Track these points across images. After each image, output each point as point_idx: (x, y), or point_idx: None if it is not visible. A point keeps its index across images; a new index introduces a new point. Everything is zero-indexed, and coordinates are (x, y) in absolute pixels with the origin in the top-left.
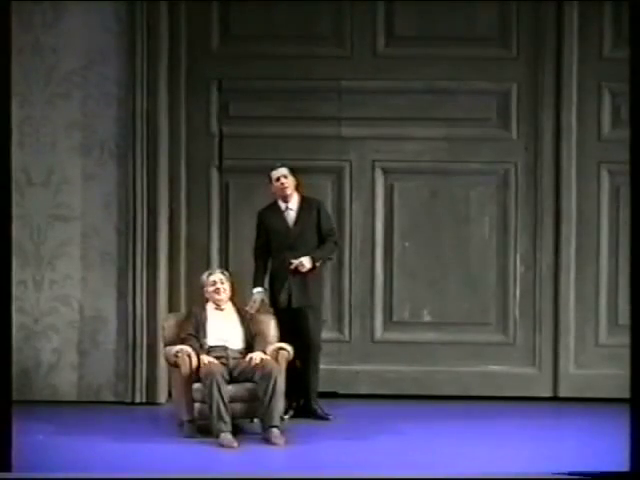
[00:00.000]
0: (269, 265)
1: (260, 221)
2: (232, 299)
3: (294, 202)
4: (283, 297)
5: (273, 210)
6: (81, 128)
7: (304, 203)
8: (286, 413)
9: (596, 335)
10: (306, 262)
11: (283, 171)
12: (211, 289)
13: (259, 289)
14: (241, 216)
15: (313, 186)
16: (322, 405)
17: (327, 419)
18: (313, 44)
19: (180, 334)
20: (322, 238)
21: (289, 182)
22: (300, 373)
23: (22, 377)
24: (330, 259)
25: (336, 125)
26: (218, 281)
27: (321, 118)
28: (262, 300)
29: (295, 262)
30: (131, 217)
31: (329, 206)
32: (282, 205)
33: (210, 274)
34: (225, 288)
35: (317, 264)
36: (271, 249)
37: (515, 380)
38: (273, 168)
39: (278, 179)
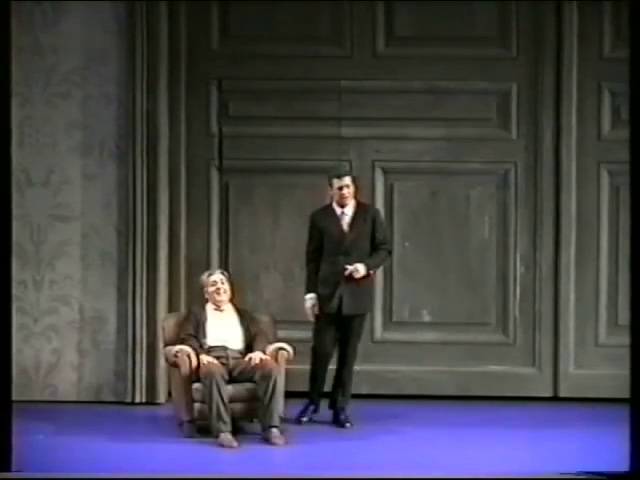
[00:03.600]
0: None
1: (314, 224)
2: (232, 299)
3: (350, 207)
4: (334, 303)
5: (328, 213)
6: (81, 128)
7: (360, 209)
8: (303, 415)
9: (596, 335)
10: (361, 269)
11: (347, 181)
12: (212, 289)
13: (312, 295)
14: (241, 216)
15: (313, 186)
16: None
17: (344, 426)
18: (313, 44)
19: (180, 334)
20: (375, 246)
21: (350, 192)
22: (315, 374)
23: (22, 377)
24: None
25: (336, 125)
26: (219, 281)
27: (321, 118)
28: (314, 306)
29: (350, 268)
30: (131, 217)
31: None
32: (338, 209)
33: (210, 274)
34: (225, 289)
35: (371, 272)
36: (323, 253)
37: (515, 380)
38: (337, 174)
39: (340, 188)
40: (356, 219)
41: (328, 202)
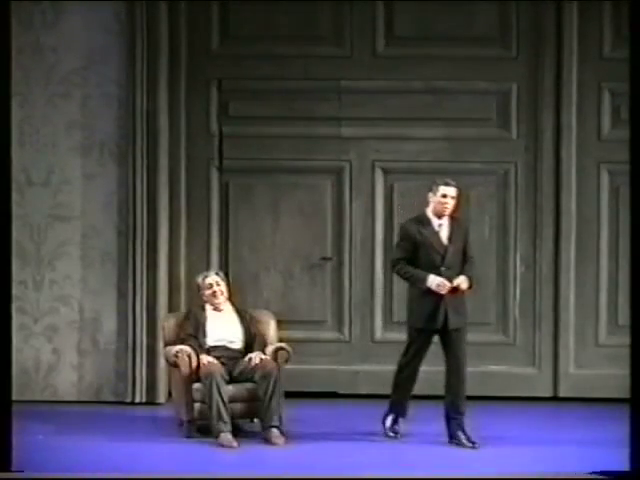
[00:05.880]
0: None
1: (409, 235)
2: (230, 299)
3: (445, 219)
4: (440, 318)
5: (424, 225)
6: (81, 128)
7: (454, 222)
8: (386, 420)
9: (596, 335)
10: (465, 282)
11: (452, 192)
12: (208, 292)
13: (431, 276)
14: (241, 216)
15: (313, 186)
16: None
17: (471, 446)
18: (313, 44)
19: (180, 334)
20: (465, 258)
21: (453, 204)
22: (405, 388)
23: (22, 377)
24: None
25: (336, 125)
26: (214, 283)
27: (321, 118)
28: (441, 282)
29: (457, 281)
30: (131, 217)
31: (329, 206)
32: (435, 221)
33: (205, 277)
34: (222, 290)
35: (473, 284)
36: (419, 265)
37: (515, 380)
38: (445, 182)
39: (445, 196)
40: (453, 232)
41: (423, 208)
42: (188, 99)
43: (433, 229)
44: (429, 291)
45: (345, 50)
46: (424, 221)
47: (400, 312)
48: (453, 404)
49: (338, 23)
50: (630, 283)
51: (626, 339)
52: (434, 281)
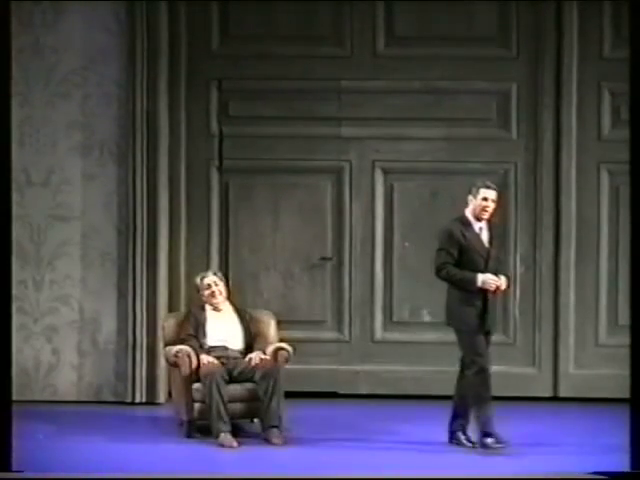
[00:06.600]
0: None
1: (455, 238)
2: (230, 299)
3: (483, 222)
4: (490, 320)
5: (467, 228)
6: (81, 128)
7: (489, 225)
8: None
9: (596, 335)
10: (505, 283)
11: (493, 195)
12: (207, 293)
13: (479, 274)
14: (241, 216)
15: (313, 186)
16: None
17: (470, 446)
18: (313, 44)
19: (180, 334)
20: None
21: (493, 208)
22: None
23: (22, 377)
24: None
25: (336, 125)
26: (212, 284)
27: (321, 118)
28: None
29: (499, 282)
30: (131, 217)
31: (329, 206)
32: (475, 224)
33: (203, 277)
34: (220, 290)
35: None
36: (464, 268)
37: (515, 380)
38: (487, 185)
39: (485, 199)
40: (491, 234)
41: (461, 210)
42: (188, 99)
43: (475, 232)
44: (473, 293)
45: (345, 50)
46: (465, 224)
47: (400, 312)
48: (478, 407)
49: (338, 23)
50: (630, 283)
51: (626, 339)
52: (484, 279)
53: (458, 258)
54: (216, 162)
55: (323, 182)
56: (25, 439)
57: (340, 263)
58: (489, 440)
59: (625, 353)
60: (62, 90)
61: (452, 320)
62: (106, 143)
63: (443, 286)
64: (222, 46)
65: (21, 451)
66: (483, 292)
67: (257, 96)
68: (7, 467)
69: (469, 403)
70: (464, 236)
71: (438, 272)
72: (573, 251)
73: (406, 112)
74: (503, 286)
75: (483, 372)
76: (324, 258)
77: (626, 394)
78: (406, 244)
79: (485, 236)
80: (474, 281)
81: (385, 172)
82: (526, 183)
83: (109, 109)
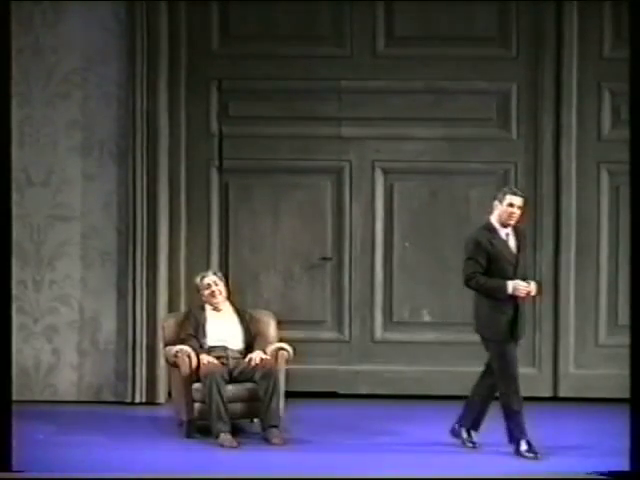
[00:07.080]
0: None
1: (482, 246)
2: (230, 299)
3: (509, 228)
4: (521, 327)
5: (493, 235)
6: (81, 128)
7: (515, 230)
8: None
9: (596, 335)
10: (535, 288)
11: (519, 201)
12: (207, 293)
13: (509, 281)
14: (241, 216)
15: (313, 186)
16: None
17: (471, 447)
18: (313, 44)
19: (180, 334)
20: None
21: (519, 214)
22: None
23: (22, 377)
24: None
25: (336, 125)
26: (212, 284)
27: (321, 118)
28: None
29: (529, 288)
30: (131, 217)
31: (329, 206)
32: (502, 231)
33: (203, 277)
34: (220, 290)
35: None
36: (493, 276)
37: None
38: (513, 191)
39: (512, 205)
40: (517, 240)
41: (486, 216)
42: (188, 99)
43: (502, 240)
44: (504, 300)
45: (345, 50)
46: (492, 231)
47: (400, 312)
48: (505, 405)
49: (338, 23)
50: (630, 283)
51: (626, 339)
52: (515, 286)
53: (487, 266)
54: (216, 162)
55: (323, 182)
56: (25, 439)
57: (340, 263)
58: (523, 448)
59: (625, 353)
60: (62, 90)
61: (483, 329)
62: (106, 143)
63: (443, 286)
64: (222, 46)
65: (21, 451)
66: (513, 299)
67: (257, 96)
68: (7, 467)
69: (506, 411)
70: (491, 244)
71: (467, 282)
72: (573, 251)
73: (406, 112)
74: (534, 292)
75: (514, 381)
76: (324, 258)
77: (626, 394)
78: (406, 244)
79: (512, 242)
80: (505, 289)
81: (385, 172)
82: (526, 183)
83: (109, 109)
